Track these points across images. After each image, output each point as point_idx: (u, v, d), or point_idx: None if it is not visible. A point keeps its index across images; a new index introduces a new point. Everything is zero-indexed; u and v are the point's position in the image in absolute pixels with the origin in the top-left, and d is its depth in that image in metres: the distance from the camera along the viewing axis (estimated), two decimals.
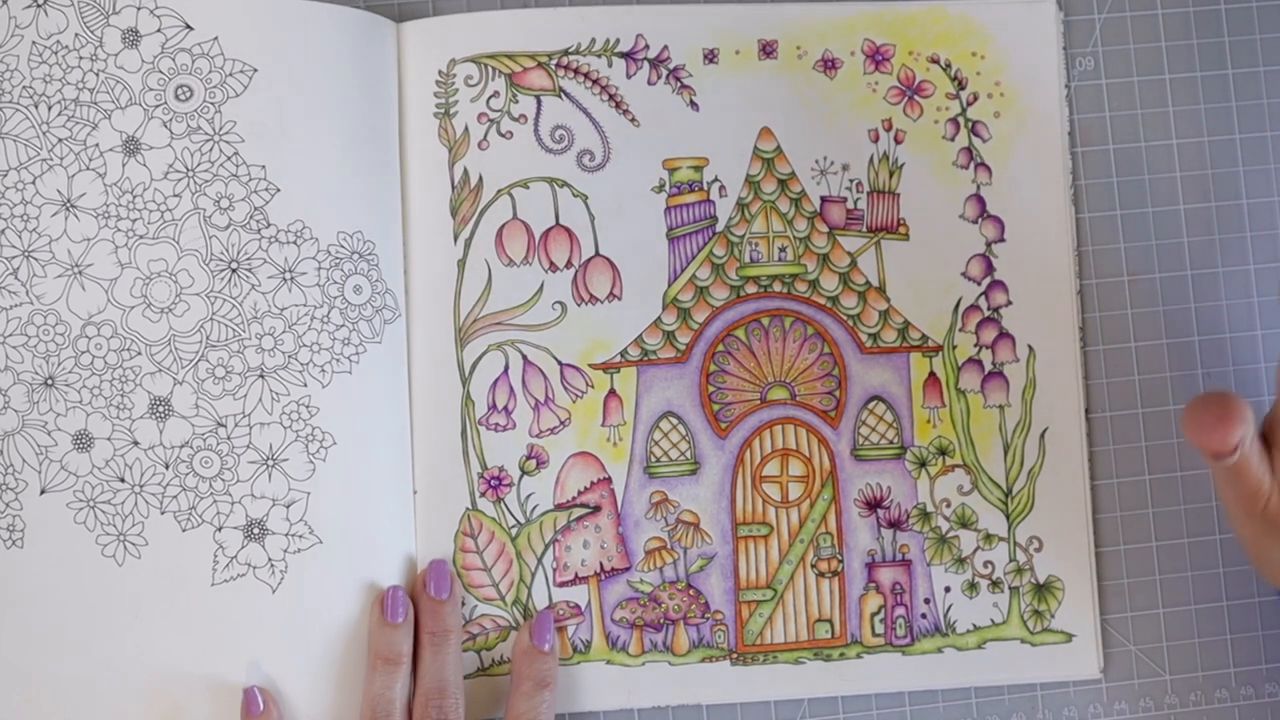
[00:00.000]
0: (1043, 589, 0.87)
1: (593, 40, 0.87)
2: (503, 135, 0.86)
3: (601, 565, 0.86)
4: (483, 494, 0.85)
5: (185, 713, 0.79)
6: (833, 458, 0.87)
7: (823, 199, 0.88)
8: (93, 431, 0.80)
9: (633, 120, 0.87)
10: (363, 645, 0.81)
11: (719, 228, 0.87)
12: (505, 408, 0.86)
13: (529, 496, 0.86)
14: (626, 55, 0.87)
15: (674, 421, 0.87)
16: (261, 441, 0.80)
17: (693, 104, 0.88)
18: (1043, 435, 0.87)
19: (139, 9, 0.81)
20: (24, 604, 0.79)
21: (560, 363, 0.86)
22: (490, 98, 0.86)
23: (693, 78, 0.88)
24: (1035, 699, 0.89)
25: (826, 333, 0.87)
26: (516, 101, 0.87)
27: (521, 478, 0.85)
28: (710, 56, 0.88)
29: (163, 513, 0.80)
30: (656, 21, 0.88)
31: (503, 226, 0.86)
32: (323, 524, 0.81)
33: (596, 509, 0.86)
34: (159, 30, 0.81)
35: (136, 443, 0.80)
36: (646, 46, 0.88)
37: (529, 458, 0.86)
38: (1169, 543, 0.90)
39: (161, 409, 0.80)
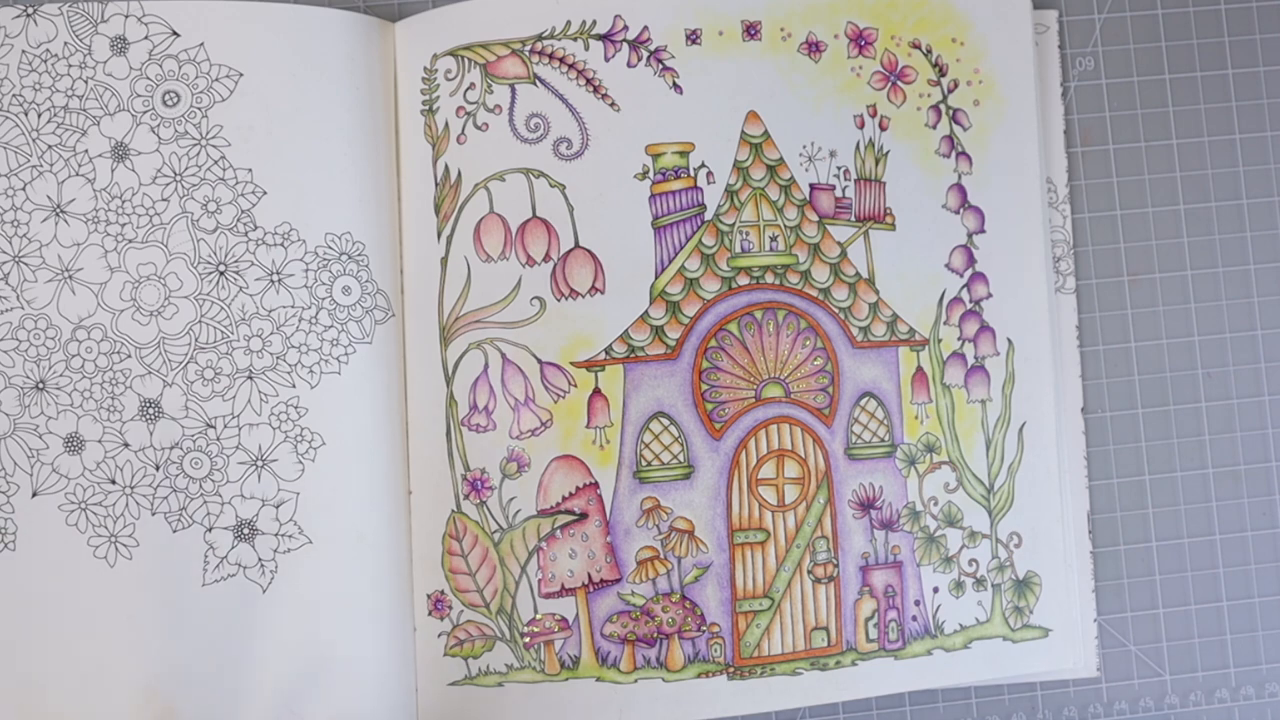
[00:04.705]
0: (1022, 585, 0.86)
1: (568, 23, 0.85)
2: (479, 128, 0.84)
3: (590, 576, 0.83)
4: (466, 496, 0.83)
5: (177, 713, 0.80)
6: (827, 458, 0.85)
7: (812, 186, 0.86)
8: (84, 434, 0.80)
9: (612, 105, 0.85)
10: (352, 644, 0.81)
11: (708, 216, 0.85)
12: (485, 408, 0.83)
13: (510, 500, 0.83)
14: (604, 37, 0.85)
15: (665, 422, 0.84)
16: (250, 442, 0.81)
17: (676, 86, 0.85)
18: (1021, 430, 0.87)
19: (127, 17, 0.82)
20: (16, 606, 0.80)
21: (540, 361, 0.83)
22: (467, 90, 0.85)
23: (675, 59, 0.85)
24: (1035, 699, 0.89)
25: (819, 326, 0.85)
26: (491, 92, 0.84)
27: (503, 481, 0.83)
28: (693, 37, 0.85)
29: (153, 514, 0.80)
30: (635, 1, 0.85)
31: (480, 221, 0.84)
32: (312, 524, 0.81)
33: (583, 516, 0.83)
34: (146, 37, 0.82)
35: (127, 444, 0.81)
36: (625, 28, 0.85)
37: (510, 460, 0.83)
38: (1168, 543, 0.90)
39: (151, 411, 0.81)
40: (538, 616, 0.83)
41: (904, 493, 0.86)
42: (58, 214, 0.81)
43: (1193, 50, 0.92)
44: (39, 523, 0.80)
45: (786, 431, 0.85)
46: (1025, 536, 0.86)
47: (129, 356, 0.81)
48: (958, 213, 0.87)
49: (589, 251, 0.84)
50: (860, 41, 0.87)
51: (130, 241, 0.81)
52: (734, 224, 0.85)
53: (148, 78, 0.82)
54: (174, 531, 0.81)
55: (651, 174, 0.85)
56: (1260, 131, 0.92)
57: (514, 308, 0.84)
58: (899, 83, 0.87)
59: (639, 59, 0.85)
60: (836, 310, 0.85)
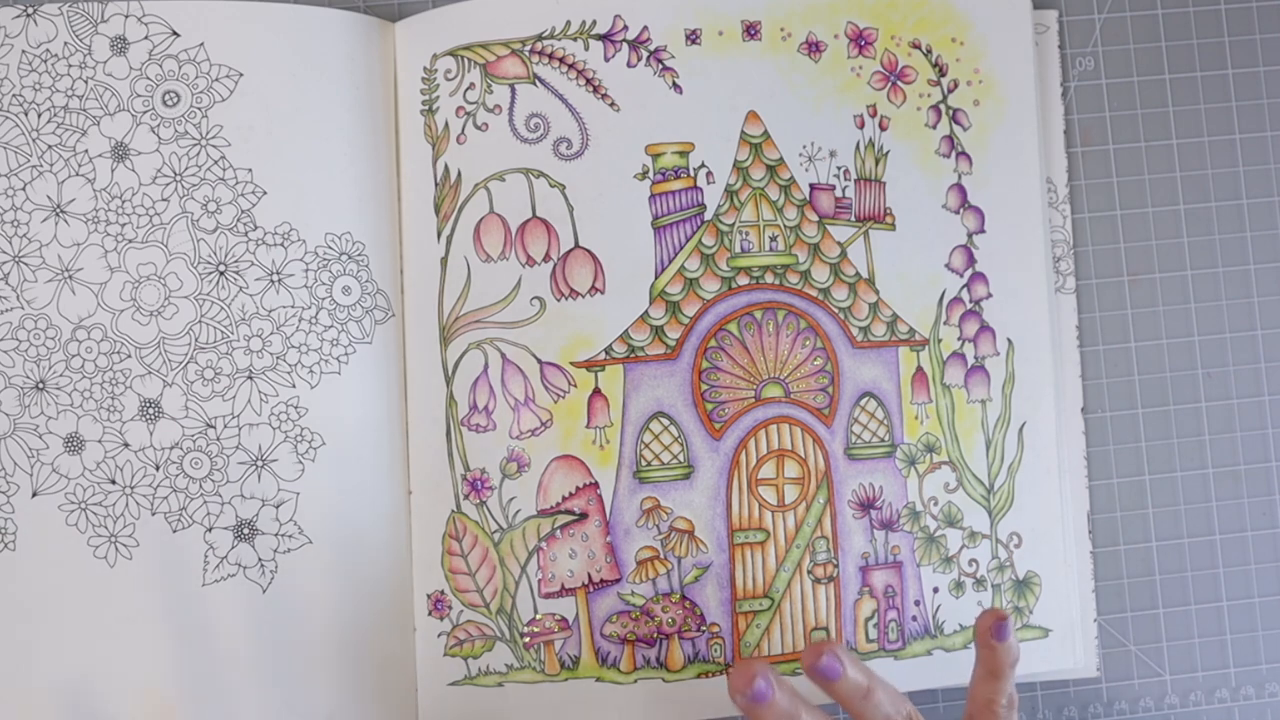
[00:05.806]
0: (1022, 585, 0.86)
1: (568, 23, 0.85)
2: (479, 128, 0.84)
3: (590, 576, 0.83)
4: (466, 496, 0.83)
5: (176, 713, 0.80)
6: (827, 458, 0.85)
7: (812, 186, 0.86)
8: (84, 434, 0.80)
9: (612, 105, 0.85)
10: (352, 644, 0.82)
11: (707, 216, 0.85)
12: (485, 408, 0.83)
13: (510, 500, 0.83)
14: (604, 37, 0.85)
15: (665, 422, 0.84)
16: (250, 442, 0.81)
17: (675, 86, 0.85)
18: (1021, 430, 0.87)
19: (127, 17, 0.82)
20: (16, 606, 0.80)
21: (540, 361, 0.83)
22: (467, 90, 0.85)
23: (675, 59, 0.85)
24: (1035, 699, 0.89)
25: (819, 326, 0.85)
26: (491, 92, 0.84)
27: (503, 481, 0.83)
28: (693, 37, 0.85)
29: (153, 514, 0.80)
30: (635, 1, 0.85)
31: (480, 221, 0.84)
32: (312, 524, 0.81)
33: (583, 516, 0.83)
34: (146, 37, 0.82)
35: (127, 445, 0.80)
36: (625, 28, 0.85)
37: (510, 460, 0.83)
38: (1168, 543, 0.90)
39: (151, 411, 0.81)
40: (538, 616, 0.83)
41: (904, 493, 0.85)
42: (58, 214, 0.81)
43: (1193, 50, 0.92)
44: (39, 523, 0.80)
45: (786, 431, 0.85)
46: (1025, 536, 0.86)
47: (129, 356, 0.81)
48: (958, 213, 0.87)
49: (589, 251, 0.84)
50: (860, 41, 0.87)
51: (130, 241, 0.81)
52: (734, 224, 0.85)
53: (148, 78, 0.82)
54: (174, 531, 0.80)
55: (651, 174, 0.85)
56: (1260, 131, 0.91)
57: (514, 308, 0.83)
58: (899, 83, 0.87)
59: (639, 59, 0.85)
60: (836, 310, 0.85)
